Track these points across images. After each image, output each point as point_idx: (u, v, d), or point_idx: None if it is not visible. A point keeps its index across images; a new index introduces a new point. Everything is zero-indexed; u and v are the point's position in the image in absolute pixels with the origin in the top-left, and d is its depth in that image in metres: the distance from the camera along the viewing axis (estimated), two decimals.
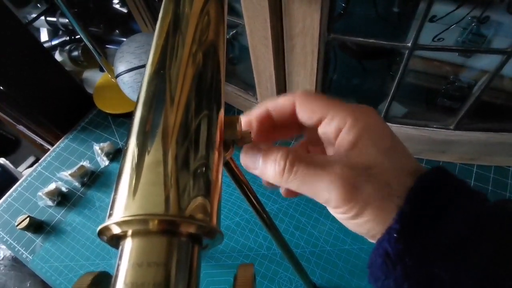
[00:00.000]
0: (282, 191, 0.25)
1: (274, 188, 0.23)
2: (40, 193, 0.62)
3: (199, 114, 0.16)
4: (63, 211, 0.63)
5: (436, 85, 0.53)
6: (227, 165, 0.31)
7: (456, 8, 0.36)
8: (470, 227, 0.15)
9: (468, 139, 0.52)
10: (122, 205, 0.13)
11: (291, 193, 0.24)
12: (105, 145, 0.68)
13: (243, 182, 0.33)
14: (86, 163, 0.67)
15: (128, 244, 0.13)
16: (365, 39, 0.42)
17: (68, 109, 0.77)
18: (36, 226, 0.61)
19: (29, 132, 1.32)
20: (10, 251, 0.85)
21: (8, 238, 0.62)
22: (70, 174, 0.64)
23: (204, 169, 0.15)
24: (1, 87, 0.64)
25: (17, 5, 0.73)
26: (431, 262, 0.15)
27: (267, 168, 0.18)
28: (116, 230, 0.13)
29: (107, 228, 0.13)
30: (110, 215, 0.13)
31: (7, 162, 1.08)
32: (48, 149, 1.38)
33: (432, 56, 0.50)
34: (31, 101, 0.70)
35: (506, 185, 0.54)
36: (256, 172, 0.19)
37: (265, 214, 0.36)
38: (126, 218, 0.12)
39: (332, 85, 0.61)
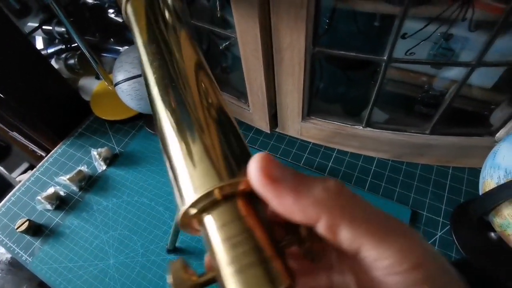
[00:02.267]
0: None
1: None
2: (39, 197, 0.64)
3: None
4: (61, 214, 0.65)
5: (413, 94, 0.58)
6: None
7: (424, 27, 0.40)
8: None
9: (443, 143, 0.56)
10: (190, 189, 0.15)
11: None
12: (103, 150, 0.70)
13: None
14: (84, 168, 0.69)
15: (209, 218, 0.15)
16: (347, 52, 0.46)
17: (65, 115, 0.80)
18: (35, 229, 0.63)
19: (22, 139, 1.33)
20: (6, 256, 0.86)
21: (7, 241, 0.63)
22: (68, 179, 0.66)
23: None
24: (0, 94, 0.66)
25: (17, 16, 0.75)
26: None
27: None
28: (193, 211, 0.15)
29: (186, 214, 0.15)
30: (184, 203, 0.15)
31: (1, 168, 1.09)
32: (41, 155, 1.39)
33: (408, 68, 0.55)
34: (29, 107, 0.72)
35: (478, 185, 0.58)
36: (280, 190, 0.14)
37: None
38: (201, 194, 0.14)
39: (319, 93, 0.65)
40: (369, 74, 0.62)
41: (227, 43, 0.71)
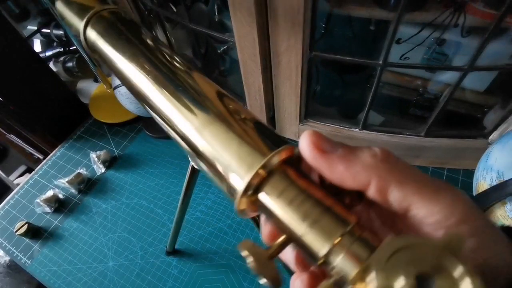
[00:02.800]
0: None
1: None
2: (38, 200, 0.65)
3: None
4: (60, 217, 0.65)
5: (408, 97, 0.59)
6: None
7: (418, 33, 0.41)
8: None
9: (438, 145, 0.57)
10: (240, 174, 0.16)
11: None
12: (102, 153, 0.71)
13: None
14: (83, 171, 0.69)
15: (264, 195, 0.16)
16: (343, 56, 0.47)
17: (63, 118, 0.80)
18: (34, 232, 0.63)
19: (20, 141, 1.33)
20: (5, 259, 0.86)
21: (6, 244, 0.63)
22: (67, 181, 0.66)
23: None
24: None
25: (16, 20, 0.76)
26: None
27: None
28: (248, 192, 0.16)
29: (242, 199, 0.16)
30: (237, 189, 0.16)
31: None
32: (38, 158, 1.39)
33: (403, 72, 0.56)
34: (27, 110, 0.73)
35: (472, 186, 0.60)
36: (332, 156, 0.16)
37: (257, 216, 0.40)
38: (253, 173, 0.16)
39: (315, 96, 0.66)
40: (364, 78, 0.63)
41: (225, 47, 0.71)
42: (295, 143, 0.17)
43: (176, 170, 0.70)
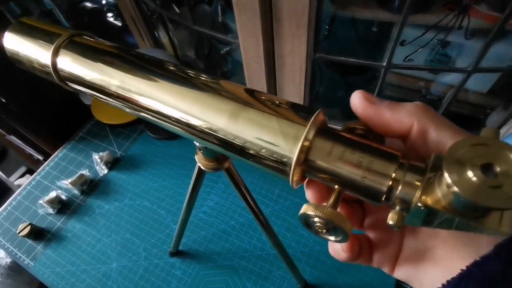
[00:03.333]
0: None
1: None
2: (41, 201, 0.65)
3: None
4: (63, 218, 0.65)
5: (411, 98, 0.59)
6: (228, 170, 0.35)
7: (422, 35, 0.42)
8: None
9: None
10: (290, 144, 0.18)
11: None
12: (104, 154, 0.71)
13: (243, 186, 0.37)
14: (85, 172, 0.69)
15: (313, 162, 0.18)
16: (347, 58, 0.48)
17: (65, 119, 0.80)
18: (37, 233, 0.63)
19: (20, 142, 1.32)
20: (6, 260, 0.86)
21: (9, 245, 0.63)
22: (70, 183, 0.66)
23: None
24: (1, 98, 0.66)
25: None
26: None
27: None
28: (303, 156, 0.18)
29: (297, 165, 0.17)
30: (288, 159, 0.18)
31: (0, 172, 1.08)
32: (38, 159, 1.38)
33: (406, 73, 0.56)
34: (29, 111, 0.73)
35: None
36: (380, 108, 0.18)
37: (262, 216, 0.41)
38: (301, 143, 0.17)
39: (318, 97, 0.66)
40: (367, 79, 0.63)
41: (227, 48, 0.72)
42: None
43: (178, 171, 0.70)
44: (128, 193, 0.68)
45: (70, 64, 0.25)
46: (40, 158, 1.35)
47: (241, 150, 0.20)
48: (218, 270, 0.57)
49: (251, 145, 0.19)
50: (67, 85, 0.27)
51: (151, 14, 0.71)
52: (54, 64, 0.26)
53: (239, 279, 0.56)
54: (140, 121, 0.78)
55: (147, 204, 0.66)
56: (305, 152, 0.18)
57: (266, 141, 0.18)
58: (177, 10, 0.65)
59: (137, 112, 0.24)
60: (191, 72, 0.23)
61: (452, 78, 0.51)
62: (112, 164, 0.72)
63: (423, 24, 0.44)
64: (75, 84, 0.26)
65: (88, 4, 0.99)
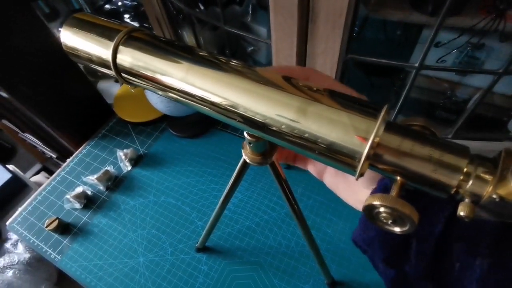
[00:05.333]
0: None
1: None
2: (67, 196, 0.65)
3: None
4: (89, 213, 0.66)
5: (435, 99, 0.60)
6: (272, 165, 0.36)
7: (458, 36, 0.43)
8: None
9: None
10: (361, 138, 0.18)
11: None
12: (129, 151, 0.72)
13: (284, 181, 0.38)
14: (110, 168, 0.70)
15: (383, 156, 0.19)
16: (378, 59, 0.49)
17: (88, 117, 0.81)
18: (64, 228, 0.64)
19: (34, 139, 1.33)
20: (24, 256, 0.87)
21: (35, 240, 0.64)
22: (96, 178, 0.67)
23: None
24: (28, 91, 0.67)
25: (47, 20, 0.77)
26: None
27: None
28: (373, 149, 0.18)
29: (367, 158, 0.18)
30: (358, 153, 0.18)
31: (16, 169, 1.09)
32: (51, 157, 1.39)
33: (432, 74, 0.57)
34: (55, 107, 0.73)
35: None
36: None
37: (299, 210, 0.41)
38: (373, 136, 0.18)
39: None
40: (391, 80, 0.64)
41: (251, 48, 0.73)
42: None
43: (202, 169, 0.71)
44: (152, 190, 0.69)
45: (130, 59, 0.26)
46: (53, 156, 1.36)
47: (310, 145, 0.20)
48: (244, 266, 0.58)
49: (321, 140, 0.19)
50: (121, 76, 0.28)
51: (177, 14, 0.73)
52: (114, 59, 0.27)
53: (265, 275, 0.56)
54: (162, 119, 0.79)
55: (171, 200, 0.67)
56: (375, 147, 0.18)
57: (337, 136, 0.19)
58: (202, 8, 0.67)
59: (196, 105, 0.25)
60: (251, 67, 0.24)
61: (479, 80, 0.52)
62: (135, 161, 0.73)
63: (455, 27, 0.45)
64: (132, 76, 0.27)
65: (107, 6, 1.01)
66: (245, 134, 0.30)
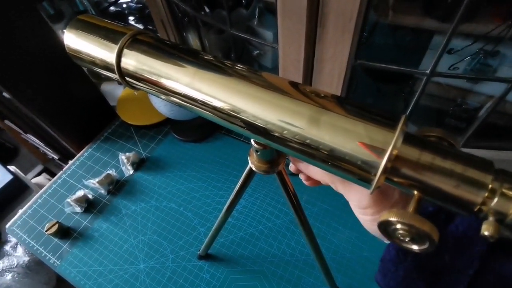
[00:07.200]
0: (303, 177, 0.31)
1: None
2: (68, 200, 0.64)
3: None
4: (89, 217, 0.65)
5: (445, 107, 0.59)
6: (279, 174, 0.35)
7: (472, 43, 0.42)
8: (472, 229, 0.19)
9: None
10: (378, 150, 0.17)
11: (314, 182, 0.30)
12: (131, 155, 0.71)
13: (291, 190, 0.37)
14: (112, 172, 0.69)
15: (402, 169, 0.18)
16: (388, 65, 0.48)
17: (91, 119, 0.80)
18: (64, 232, 0.63)
19: (36, 141, 1.33)
20: (23, 259, 0.86)
21: (34, 244, 0.63)
22: (98, 182, 0.66)
23: None
24: (30, 93, 0.66)
25: (51, 21, 0.77)
26: (440, 254, 0.19)
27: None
28: (391, 162, 0.17)
29: (384, 171, 0.17)
30: (374, 166, 0.17)
31: (18, 170, 1.08)
32: (52, 158, 1.38)
33: (442, 81, 0.56)
34: (57, 108, 0.73)
35: None
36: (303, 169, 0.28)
37: (305, 219, 0.40)
38: (390, 149, 0.17)
39: None
40: (399, 87, 0.63)
41: (257, 52, 0.72)
42: None
43: (205, 174, 0.69)
44: (154, 195, 0.67)
45: (134, 62, 0.25)
46: (55, 157, 1.35)
47: (322, 156, 0.19)
48: (247, 275, 0.56)
49: (335, 151, 0.18)
50: (125, 80, 0.27)
51: (182, 17, 0.72)
52: (118, 62, 0.26)
53: (268, 285, 0.55)
54: (165, 122, 0.78)
55: (173, 206, 0.65)
56: (392, 160, 0.17)
57: (351, 147, 0.18)
58: (207, 11, 0.66)
59: (202, 111, 0.24)
60: (259, 72, 0.23)
61: (490, 88, 0.51)
62: (138, 165, 0.72)
63: (468, 33, 0.44)
64: (136, 80, 0.26)
65: (112, 8, 1.01)
66: (252, 142, 0.29)
